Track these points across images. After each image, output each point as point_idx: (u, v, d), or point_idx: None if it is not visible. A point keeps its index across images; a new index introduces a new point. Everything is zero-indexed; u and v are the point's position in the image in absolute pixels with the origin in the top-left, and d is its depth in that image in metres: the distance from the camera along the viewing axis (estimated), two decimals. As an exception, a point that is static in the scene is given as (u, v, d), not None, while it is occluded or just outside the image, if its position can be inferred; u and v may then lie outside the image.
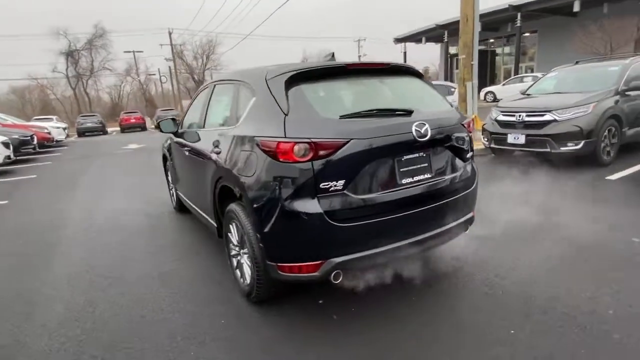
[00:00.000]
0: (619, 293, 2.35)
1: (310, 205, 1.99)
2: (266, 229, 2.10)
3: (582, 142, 5.31)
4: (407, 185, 2.20)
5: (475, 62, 9.12)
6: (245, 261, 2.48)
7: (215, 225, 2.99)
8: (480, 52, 34.90)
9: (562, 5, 20.02)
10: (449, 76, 28.76)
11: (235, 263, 2.68)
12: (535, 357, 1.85)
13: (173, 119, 3.96)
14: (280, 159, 2.00)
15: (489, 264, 2.84)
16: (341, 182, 2.02)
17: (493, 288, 2.51)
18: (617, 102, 5.60)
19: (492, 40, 29.33)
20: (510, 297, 2.39)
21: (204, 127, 3.26)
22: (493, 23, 24.81)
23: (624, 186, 4.70)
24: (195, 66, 46.15)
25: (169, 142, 4.48)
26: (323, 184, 1.99)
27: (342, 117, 2.09)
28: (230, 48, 44.42)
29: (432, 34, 27.16)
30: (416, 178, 2.24)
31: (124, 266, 3.30)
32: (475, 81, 8.92)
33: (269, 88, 2.27)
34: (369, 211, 2.07)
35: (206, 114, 3.27)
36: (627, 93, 5.71)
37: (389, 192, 2.14)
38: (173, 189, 4.62)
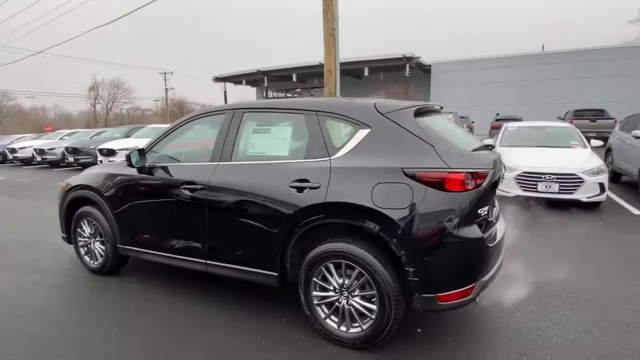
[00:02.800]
0: None
1: (474, 231, 2.15)
2: (428, 259, 2.08)
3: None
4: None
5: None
6: (355, 305, 2.28)
7: (276, 275, 2.54)
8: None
9: (357, 69, 25.46)
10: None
11: (331, 313, 2.37)
12: None
13: (141, 150, 3.07)
14: (447, 189, 2.08)
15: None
16: (485, 208, 2.26)
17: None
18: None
19: (299, 90, 33.75)
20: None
21: (230, 159, 2.75)
22: (303, 76, 28.77)
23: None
24: None
25: (105, 180, 3.35)
26: (479, 210, 2.19)
27: (473, 150, 2.36)
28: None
29: (253, 78, 29.01)
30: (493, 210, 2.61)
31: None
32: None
33: (393, 121, 2.30)
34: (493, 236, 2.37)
35: (233, 145, 2.77)
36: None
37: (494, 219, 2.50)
38: (108, 243, 3.40)
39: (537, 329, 2.54)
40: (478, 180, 2.18)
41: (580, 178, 5.66)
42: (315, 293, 2.43)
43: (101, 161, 11.87)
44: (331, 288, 2.38)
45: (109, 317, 2.80)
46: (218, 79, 30.66)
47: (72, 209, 3.67)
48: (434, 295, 2.12)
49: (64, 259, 4.00)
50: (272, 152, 2.67)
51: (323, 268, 2.37)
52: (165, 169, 3.05)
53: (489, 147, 2.56)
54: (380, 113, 2.36)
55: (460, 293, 2.14)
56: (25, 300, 3.08)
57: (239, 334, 2.53)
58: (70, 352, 2.36)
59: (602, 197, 5.74)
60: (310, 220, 2.36)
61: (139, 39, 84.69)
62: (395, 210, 2.12)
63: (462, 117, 22.74)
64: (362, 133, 2.35)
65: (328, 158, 2.39)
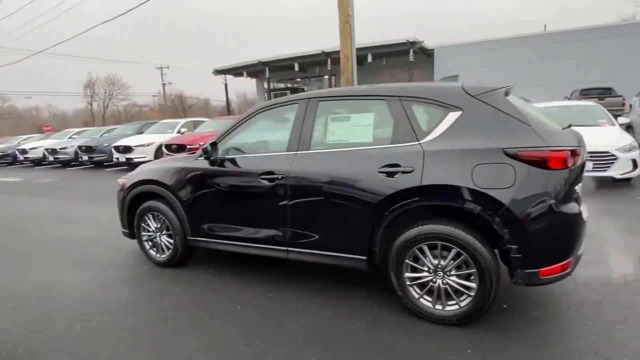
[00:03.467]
0: None
1: (572, 207, 2.22)
2: (532, 236, 2.15)
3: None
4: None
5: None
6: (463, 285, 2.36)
7: (364, 259, 2.61)
8: (293, 89, 38.97)
9: (359, 55, 25.20)
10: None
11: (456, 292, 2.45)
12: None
13: (214, 144, 3.12)
14: (549, 167, 2.14)
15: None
16: (580, 185, 2.33)
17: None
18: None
19: (299, 80, 33.47)
20: None
21: (308, 148, 2.79)
22: (305, 65, 28.53)
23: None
24: None
25: (174, 174, 3.40)
26: (576, 186, 2.25)
27: (564, 128, 2.41)
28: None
29: (254, 69, 28.73)
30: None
31: None
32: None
33: (485, 102, 2.34)
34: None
35: (311, 134, 2.82)
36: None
37: None
38: (178, 235, 3.46)
39: (618, 300, 2.63)
40: (575, 158, 2.23)
41: (614, 155, 5.74)
42: (407, 274, 2.51)
43: (117, 158, 11.86)
44: (425, 269, 2.45)
45: (197, 306, 2.87)
46: (218, 72, 30.36)
47: (135, 204, 3.72)
48: (536, 270, 2.20)
49: (126, 254, 4.07)
50: (354, 140, 2.71)
51: (416, 250, 2.44)
52: (240, 160, 3.10)
53: (569, 126, 2.60)
54: (470, 95, 2.40)
55: (559, 267, 2.22)
56: (106, 295, 3.15)
57: (334, 318, 2.61)
58: (179, 340, 2.43)
59: (635, 173, 5.83)
60: (402, 204, 2.42)
61: (132, 35, 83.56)
62: (498, 191, 2.18)
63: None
64: (453, 116, 2.40)
65: (417, 142, 2.44)
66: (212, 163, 3.17)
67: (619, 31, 23.53)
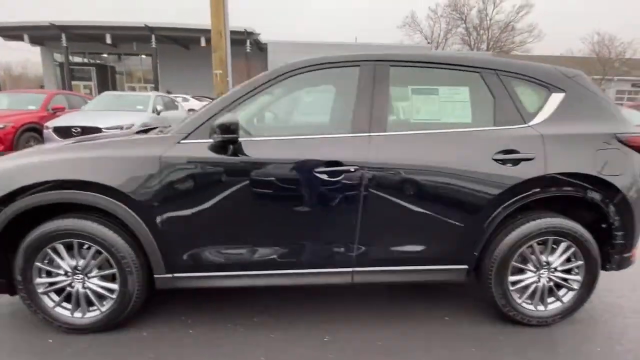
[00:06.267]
0: None
1: None
2: (636, 222, 2.16)
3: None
4: None
5: (230, 78, 9.19)
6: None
7: (466, 268, 2.13)
8: (99, 66, 32.96)
9: (188, 37, 22.83)
10: (66, 87, 24.43)
11: None
12: None
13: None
14: None
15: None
16: None
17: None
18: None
19: (105, 55, 27.82)
20: None
21: (385, 129, 2.05)
22: (119, 39, 23.82)
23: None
24: None
25: (129, 169, 1.93)
26: None
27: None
28: None
29: (42, 33, 21.84)
30: None
31: None
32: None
33: (582, 85, 2.22)
34: None
35: (386, 110, 2.08)
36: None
37: None
38: (134, 274, 1.99)
39: None
40: None
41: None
42: (511, 278, 2.16)
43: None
44: (530, 268, 2.17)
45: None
46: (-23, 29, 21.43)
47: (15, 230, 1.96)
48: (629, 254, 2.24)
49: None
50: (448, 119, 2.15)
51: (525, 248, 2.13)
52: (272, 145, 2.01)
53: None
54: (567, 77, 2.23)
55: (636, 251, 2.34)
56: None
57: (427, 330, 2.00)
58: None
59: None
60: (520, 198, 2.06)
61: None
62: (615, 177, 2.09)
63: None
64: (557, 97, 2.18)
65: (526, 125, 2.11)
66: (226, 150, 1.94)
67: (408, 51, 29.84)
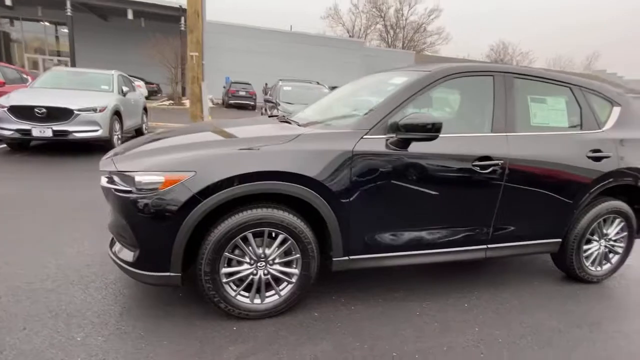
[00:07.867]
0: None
1: None
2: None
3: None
4: None
5: (205, 61, 8.64)
6: None
7: (559, 241, 2.74)
8: None
9: (113, 8, 20.46)
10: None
11: None
12: None
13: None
14: None
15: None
16: None
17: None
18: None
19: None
20: None
21: (514, 130, 2.53)
22: (27, 1, 20.36)
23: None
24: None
25: (328, 161, 2.08)
26: None
27: None
28: None
29: None
30: None
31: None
32: (207, 81, 8.36)
33: (628, 102, 2.97)
34: None
35: (514, 114, 2.55)
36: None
37: None
38: (314, 259, 2.16)
39: None
40: None
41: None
42: (584, 247, 2.83)
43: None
44: (595, 239, 2.87)
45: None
46: None
47: (204, 223, 1.98)
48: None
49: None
50: (553, 123, 2.69)
51: (596, 225, 2.81)
52: (439, 142, 2.32)
53: None
54: (620, 95, 2.95)
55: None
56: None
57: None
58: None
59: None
60: (601, 186, 2.71)
61: None
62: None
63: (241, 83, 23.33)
64: (617, 110, 2.88)
65: (600, 130, 2.76)
66: (395, 144, 2.20)
67: (339, 43, 30.81)
